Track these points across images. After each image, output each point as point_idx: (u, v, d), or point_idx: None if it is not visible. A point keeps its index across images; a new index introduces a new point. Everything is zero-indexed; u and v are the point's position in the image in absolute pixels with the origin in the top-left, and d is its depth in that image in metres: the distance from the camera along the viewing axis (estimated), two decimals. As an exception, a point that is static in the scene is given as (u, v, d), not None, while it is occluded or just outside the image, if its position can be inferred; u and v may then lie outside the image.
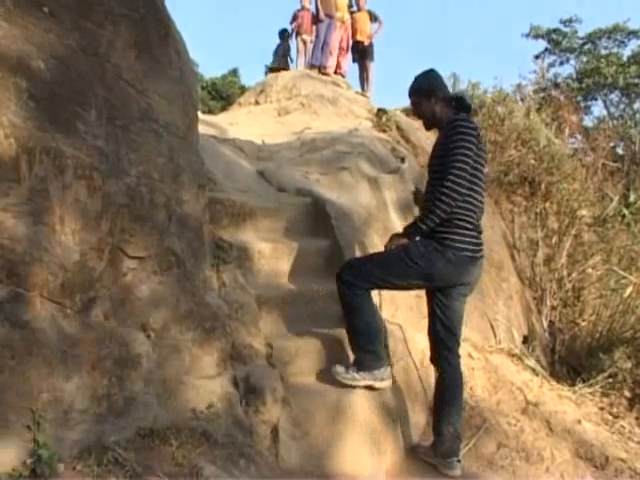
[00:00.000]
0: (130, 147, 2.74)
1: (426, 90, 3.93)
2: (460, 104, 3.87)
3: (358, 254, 4.48)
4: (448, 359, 3.81)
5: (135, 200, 2.73)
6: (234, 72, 34.16)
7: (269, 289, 3.93)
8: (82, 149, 2.50)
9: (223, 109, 15.36)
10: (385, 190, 5.64)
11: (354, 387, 3.66)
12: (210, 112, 17.43)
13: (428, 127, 4.04)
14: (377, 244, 4.86)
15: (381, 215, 5.27)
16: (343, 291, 3.77)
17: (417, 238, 3.78)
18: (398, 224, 5.48)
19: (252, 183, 4.63)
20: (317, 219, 4.75)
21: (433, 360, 3.89)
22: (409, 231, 3.81)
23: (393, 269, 3.74)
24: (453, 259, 3.66)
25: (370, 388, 3.74)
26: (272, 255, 4.12)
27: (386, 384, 3.81)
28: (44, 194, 2.36)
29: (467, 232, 3.69)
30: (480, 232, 3.80)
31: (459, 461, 3.78)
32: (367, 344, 3.75)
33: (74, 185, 2.46)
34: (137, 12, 2.85)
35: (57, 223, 2.41)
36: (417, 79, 4.02)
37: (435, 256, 3.66)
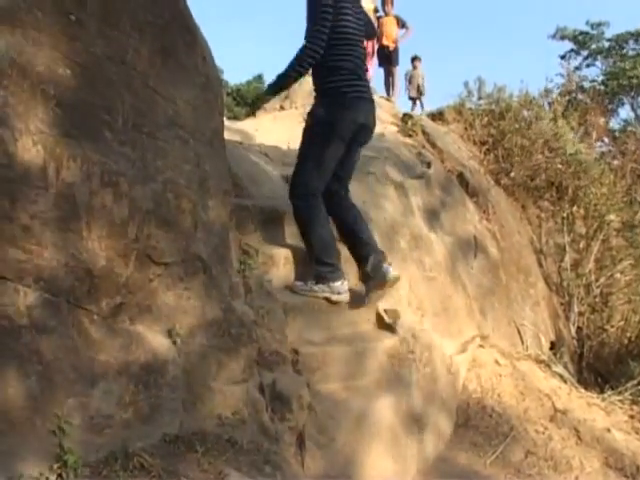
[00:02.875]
0: (156, 153, 2.75)
1: None
2: None
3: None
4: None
5: (161, 206, 2.73)
6: (259, 78, 34.27)
7: (295, 295, 3.91)
8: (109, 155, 2.51)
9: (248, 115, 15.40)
10: (411, 195, 5.63)
11: (314, 298, 3.94)
12: (235, 118, 17.48)
13: None
14: (404, 249, 4.85)
15: (407, 220, 5.25)
16: (297, 207, 4.07)
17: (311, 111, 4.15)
18: (425, 229, 5.47)
19: (278, 189, 4.63)
20: (344, 224, 4.67)
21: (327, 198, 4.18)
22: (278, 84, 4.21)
23: (317, 150, 4.04)
24: (346, 103, 4.00)
25: (328, 300, 3.93)
26: (299, 261, 4.11)
27: (343, 297, 4.00)
28: (71, 200, 2.37)
29: (346, 77, 4.01)
30: (361, 77, 4.13)
31: (389, 264, 4.16)
32: (324, 256, 3.97)
33: (100, 191, 2.47)
34: (162, 19, 2.85)
35: (84, 229, 2.42)
36: None
37: (331, 109, 4.01)
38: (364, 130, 4.15)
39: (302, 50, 3.96)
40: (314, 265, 4.01)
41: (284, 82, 4.19)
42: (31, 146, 2.25)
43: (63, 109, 2.37)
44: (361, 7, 4.30)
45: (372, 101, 4.20)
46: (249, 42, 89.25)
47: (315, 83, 4.17)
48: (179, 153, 2.88)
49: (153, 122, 2.76)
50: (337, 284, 3.96)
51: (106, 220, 2.49)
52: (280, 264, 3.97)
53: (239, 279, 3.42)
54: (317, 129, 4.04)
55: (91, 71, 2.50)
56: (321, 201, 4.06)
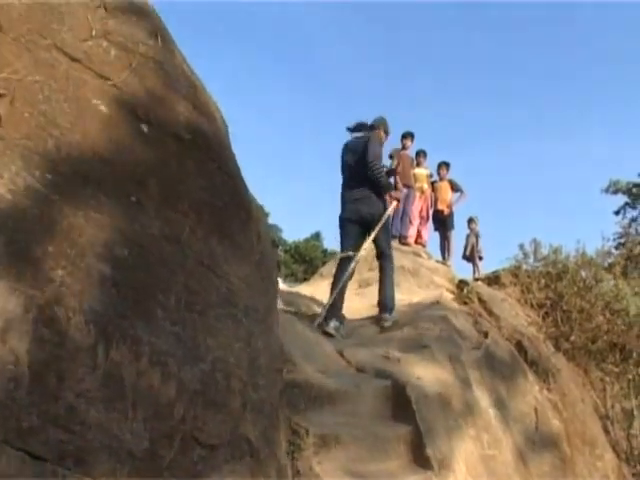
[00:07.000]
0: (208, 332, 2.73)
1: None
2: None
3: (440, 440, 4.28)
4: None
5: (210, 386, 2.67)
6: (317, 236, 35.10)
7: (347, 478, 3.71)
8: (160, 335, 2.49)
9: (305, 272, 15.66)
10: (468, 368, 5.48)
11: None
12: (293, 275, 17.79)
13: None
14: (461, 426, 4.65)
15: (465, 395, 5.08)
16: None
17: None
18: (483, 403, 5.27)
19: (331, 363, 4.56)
20: (397, 403, 4.57)
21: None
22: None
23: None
24: (341, 208, 6.76)
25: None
26: (350, 442, 3.90)
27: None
28: (118, 380, 2.33)
29: (342, 194, 6.78)
30: (351, 188, 6.67)
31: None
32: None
33: (148, 371, 2.43)
34: (221, 200, 2.93)
35: (129, 409, 2.36)
36: None
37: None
38: (357, 219, 6.56)
39: None
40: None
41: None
42: (83, 325, 2.25)
43: (118, 289, 2.38)
44: (361, 134, 6.87)
45: (357, 199, 6.54)
46: (308, 201, 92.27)
47: None
48: (231, 331, 2.86)
49: (205, 301, 2.76)
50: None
51: (152, 401, 2.44)
52: (331, 445, 3.79)
53: (287, 461, 3.29)
54: None
55: (148, 251, 2.54)
56: (342, 266, 6.55)
